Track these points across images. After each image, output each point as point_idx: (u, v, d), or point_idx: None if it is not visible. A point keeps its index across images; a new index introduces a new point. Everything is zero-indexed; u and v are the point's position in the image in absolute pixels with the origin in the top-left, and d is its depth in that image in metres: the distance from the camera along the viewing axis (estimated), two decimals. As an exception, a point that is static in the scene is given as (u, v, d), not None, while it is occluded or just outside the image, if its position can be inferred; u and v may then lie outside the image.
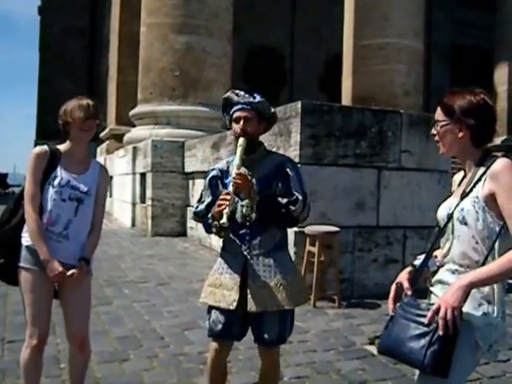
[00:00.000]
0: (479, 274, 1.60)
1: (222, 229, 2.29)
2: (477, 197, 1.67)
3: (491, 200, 1.65)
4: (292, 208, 2.27)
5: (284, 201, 2.28)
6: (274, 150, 5.47)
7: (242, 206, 2.32)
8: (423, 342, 1.60)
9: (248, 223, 2.31)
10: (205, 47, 10.21)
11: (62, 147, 2.51)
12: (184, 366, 3.37)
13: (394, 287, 1.80)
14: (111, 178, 13.68)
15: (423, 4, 12.25)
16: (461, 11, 20.23)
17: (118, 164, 12.70)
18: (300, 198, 2.29)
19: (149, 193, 9.48)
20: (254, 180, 2.31)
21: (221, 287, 2.35)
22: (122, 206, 12.19)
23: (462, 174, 1.85)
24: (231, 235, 2.36)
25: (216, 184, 2.44)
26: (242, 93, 2.39)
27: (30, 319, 2.43)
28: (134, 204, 10.77)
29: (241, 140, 2.32)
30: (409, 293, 1.74)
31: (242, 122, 2.34)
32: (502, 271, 1.59)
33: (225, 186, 2.38)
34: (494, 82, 14.91)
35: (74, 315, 2.50)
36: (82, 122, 2.40)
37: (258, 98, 2.37)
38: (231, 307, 2.29)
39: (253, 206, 2.27)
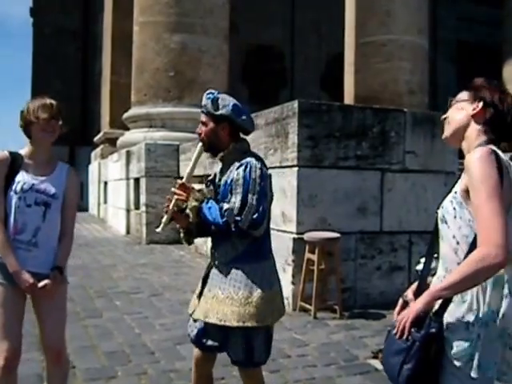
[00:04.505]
0: (442, 284, 1.44)
1: (185, 234, 2.34)
2: (455, 192, 1.53)
3: (468, 195, 1.46)
4: (221, 220, 2.15)
5: (216, 212, 2.18)
6: (271, 152, 5.24)
7: None
8: (400, 358, 1.46)
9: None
10: (200, 46, 10.00)
11: (23, 151, 2.39)
12: (175, 383, 3.21)
13: (400, 300, 1.69)
14: (105, 183, 13.46)
15: (426, -1, 11.96)
16: (465, 7, 20.02)
17: (112, 169, 12.51)
18: (226, 206, 2.14)
19: (143, 199, 9.29)
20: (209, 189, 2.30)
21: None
22: (116, 213, 11.97)
23: None
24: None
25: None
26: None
27: None
28: (128, 210, 10.56)
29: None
30: None
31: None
32: (463, 278, 1.38)
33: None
34: (502, 80, 14.56)
35: (48, 327, 2.41)
36: (46, 122, 2.30)
37: None
38: (189, 311, 2.35)
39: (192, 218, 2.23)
